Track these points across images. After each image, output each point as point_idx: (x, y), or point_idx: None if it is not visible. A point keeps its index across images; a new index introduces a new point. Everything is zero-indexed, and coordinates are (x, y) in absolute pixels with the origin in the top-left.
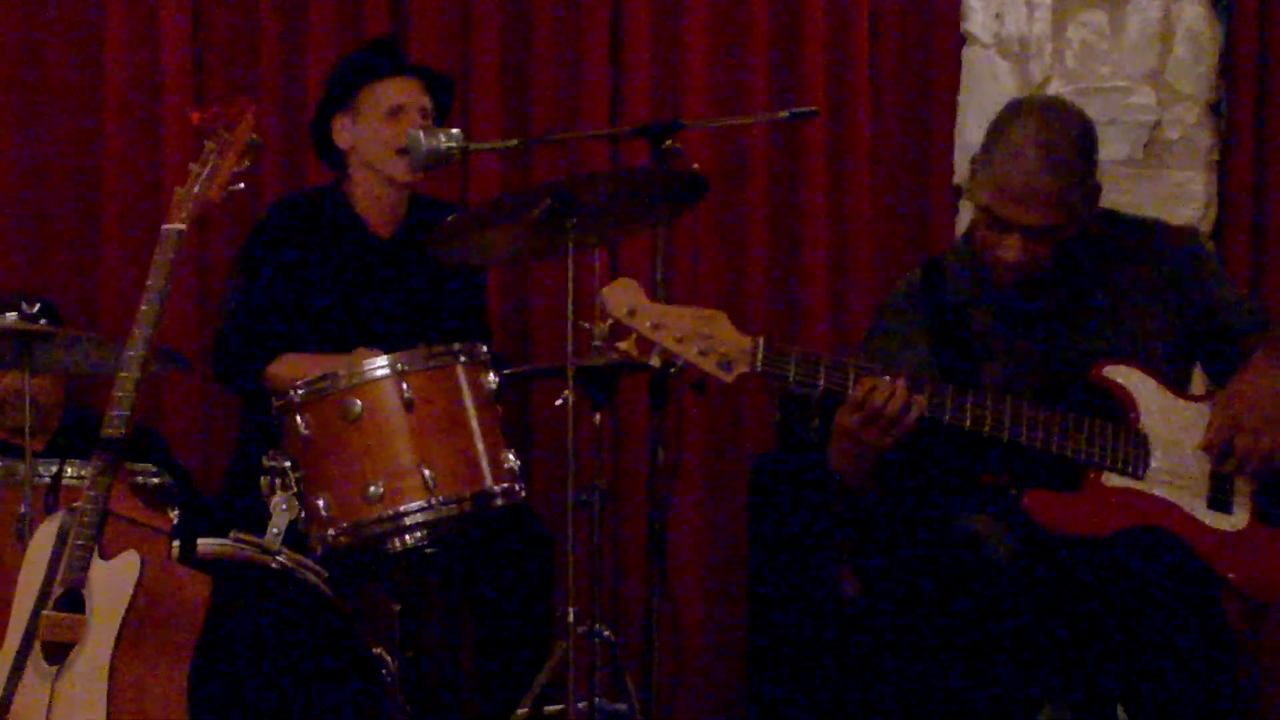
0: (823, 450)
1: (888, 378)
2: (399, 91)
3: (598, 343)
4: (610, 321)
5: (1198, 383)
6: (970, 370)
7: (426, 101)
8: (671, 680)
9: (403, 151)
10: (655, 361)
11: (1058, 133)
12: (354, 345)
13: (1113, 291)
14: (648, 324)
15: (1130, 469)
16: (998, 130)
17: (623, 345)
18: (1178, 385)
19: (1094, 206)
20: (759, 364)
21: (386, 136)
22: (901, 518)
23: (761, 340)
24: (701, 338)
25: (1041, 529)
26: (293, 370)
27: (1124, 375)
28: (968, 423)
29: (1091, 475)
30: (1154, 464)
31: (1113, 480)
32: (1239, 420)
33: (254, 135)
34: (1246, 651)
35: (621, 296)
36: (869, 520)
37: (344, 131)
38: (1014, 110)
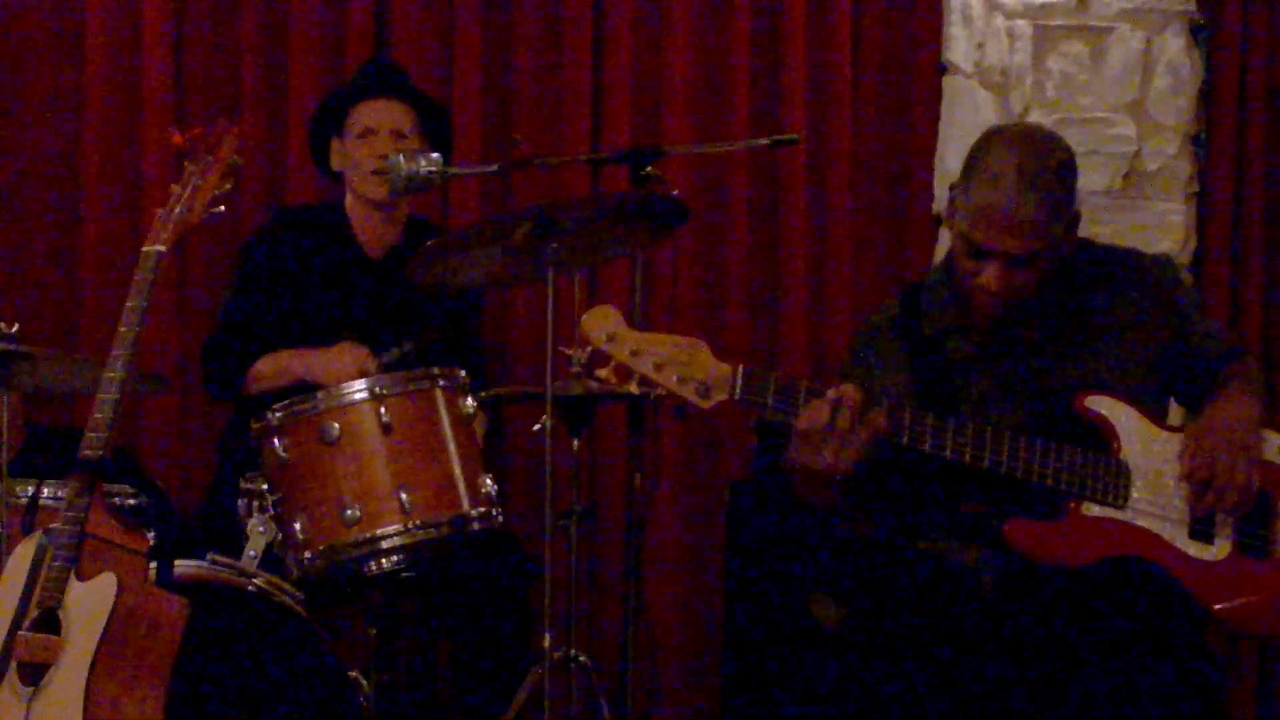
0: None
1: (832, 390)
2: (372, 114)
3: (577, 368)
4: (590, 348)
5: (1175, 410)
6: (949, 399)
7: (405, 124)
8: (647, 705)
9: (377, 173)
10: (634, 389)
11: (1038, 159)
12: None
13: (1090, 320)
14: (627, 351)
15: (1111, 499)
16: (976, 157)
17: (602, 372)
18: (1157, 414)
19: (1073, 235)
20: (738, 392)
21: (359, 158)
22: (881, 545)
23: (741, 368)
24: (680, 365)
25: (1022, 558)
26: (273, 366)
27: (1105, 406)
28: (947, 451)
29: (1072, 505)
30: (1135, 494)
31: (1093, 510)
32: (1215, 455)
33: (235, 157)
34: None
35: (601, 323)
36: (848, 547)
37: (336, 154)
38: (993, 137)
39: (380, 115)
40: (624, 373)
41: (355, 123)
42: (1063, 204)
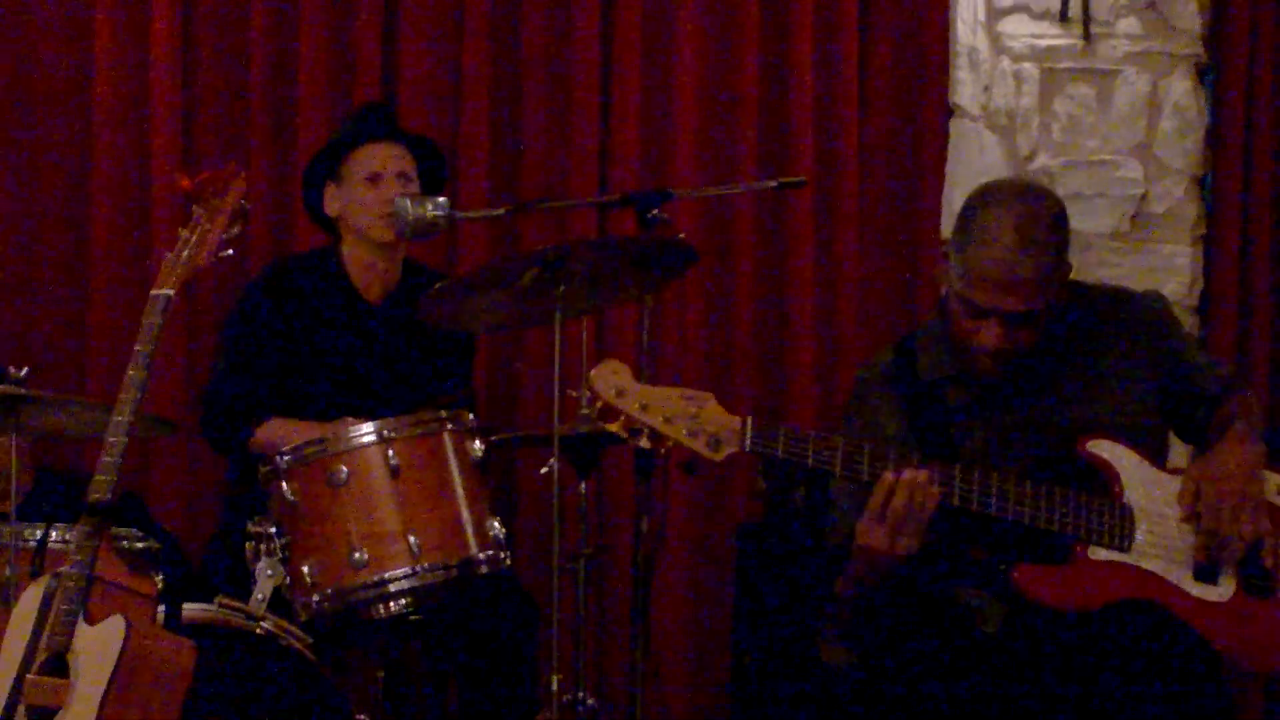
0: (808, 517)
1: (910, 472)
2: (377, 157)
3: (585, 411)
4: (600, 404)
5: (1176, 444)
6: (948, 447)
7: (408, 167)
8: None
9: (386, 216)
10: (645, 443)
11: (1034, 217)
12: (342, 410)
13: (1086, 362)
14: (636, 406)
15: (1116, 542)
16: (970, 217)
17: (611, 427)
18: (1157, 454)
19: (1065, 282)
20: (748, 443)
21: (367, 202)
22: (891, 586)
23: (750, 420)
24: (690, 418)
25: (1032, 604)
26: (279, 435)
27: (1106, 450)
28: (955, 499)
29: (1078, 549)
30: (1139, 536)
31: (1100, 554)
32: (1219, 505)
33: (243, 201)
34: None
35: (610, 379)
36: (867, 599)
37: (333, 200)
38: (986, 196)
39: (385, 159)
40: (634, 427)
41: (358, 167)
42: (1059, 260)
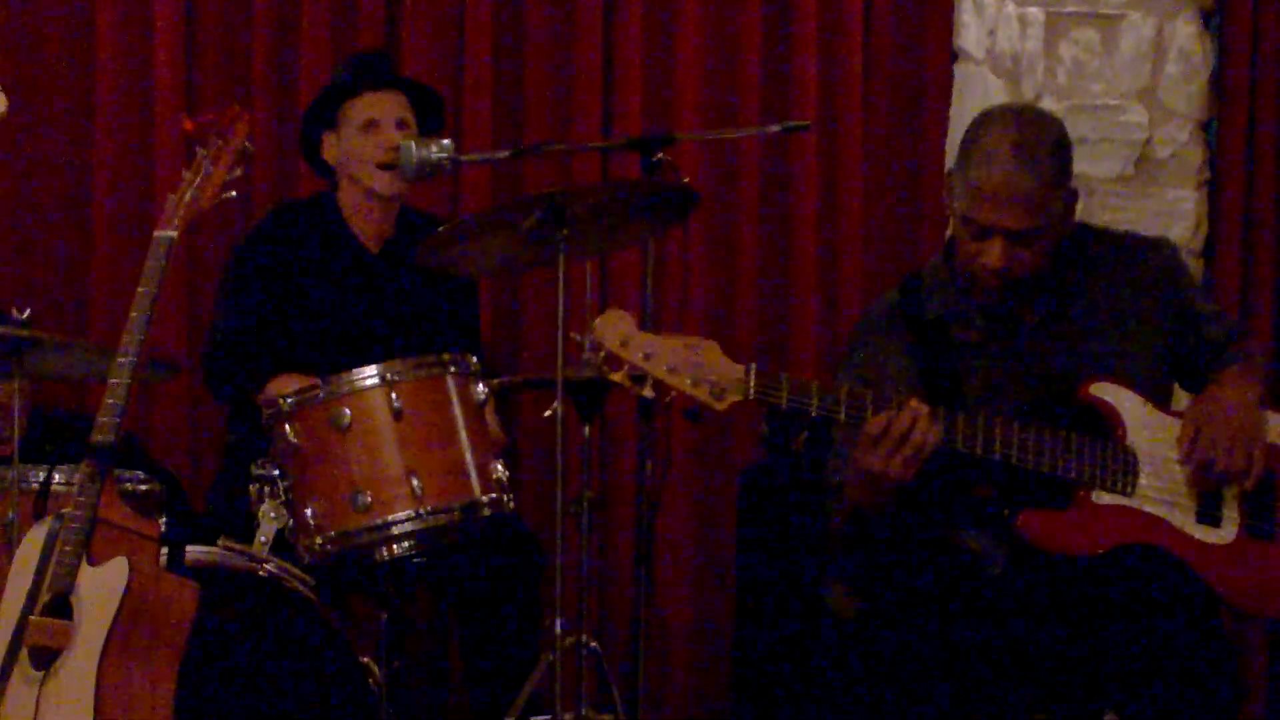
0: (811, 461)
1: (913, 404)
2: (374, 105)
3: (588, 355)
4: (604, 353)
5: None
6: (952, 386)
7: (406, 114)
8: (658, 691)
9: (383, 166)
10: (648, 392)
11: (1032, 136)
12: (343, 359)
13: (1093, 305)
14: (640, 355)
15: (1120, 486)
16: (972, 138)
17: (615, 376)
18: (1160, 399)
19: (1072, 214)
20: (751, 392)
21: (364, 151)
22: (894, 531)
23: (753, 368)
24: (694, 367)
25: (1035, 548)
26: (284, 391)
27: (1110, 393)
28: (959, 444)
29: (1082, 493)
30: (1142, 480)
31: (1103, 498)
32: (1211, 438)
33: (247, 143)
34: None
35: (614, 328)
36: (862, 534)
37: (331, 148)
38: (987, 117)
39: (384, 106)
40: (638, 376)
41: (355, 115)
42: (1060, 180)
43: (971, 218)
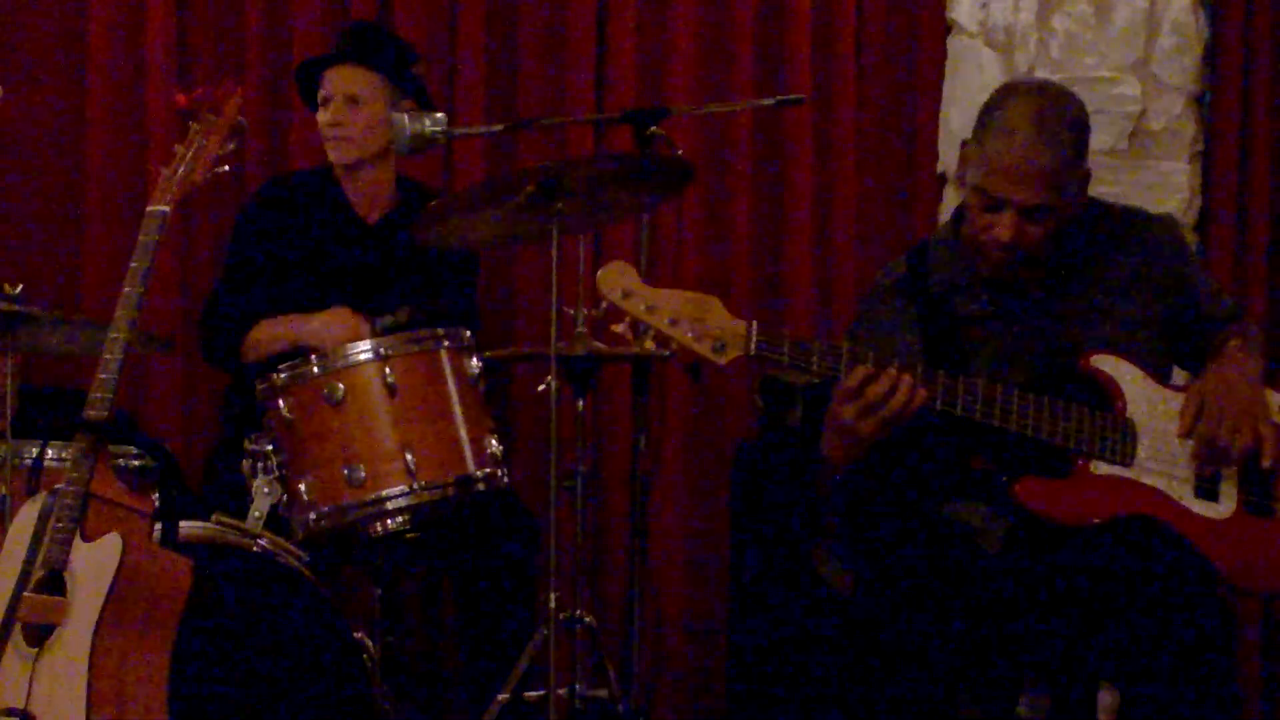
0: (805, 436)
1: (892, 369)
2: (328, 81)
3: (581, 329)
4: (605, 304)
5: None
6: (958, 357)
7: (355, 88)
8: (652, 666)
9: (334, 139)
10: (649, 345)
11: (1052, 112)
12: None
13: (1097, 280)
14: (642, 307)
15: (1118, 457)
16: (991, 111)
17: (617, 328)
18: (1161, 373)
19: (1084, 195)
20: (752, 347)
21: (320, 125)
22: (891, 504)
23: (755, 324)
24: (695, 321)
25: (1033, 517)
26: (268, 333)
27: (1111, 365)
28: (958, 409)
29: (1080, 463)
30: (1141, 452)
31: (1101, 468)
32: (1217, 415)
33: (240, 118)
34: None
35: (616, 279)
36: (857, 507)
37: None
38: (1008, 91)
39: (335, 83)
40: (639, 329)
41: (319, 91)
42: (1076, 158)
43: (985, 189)
